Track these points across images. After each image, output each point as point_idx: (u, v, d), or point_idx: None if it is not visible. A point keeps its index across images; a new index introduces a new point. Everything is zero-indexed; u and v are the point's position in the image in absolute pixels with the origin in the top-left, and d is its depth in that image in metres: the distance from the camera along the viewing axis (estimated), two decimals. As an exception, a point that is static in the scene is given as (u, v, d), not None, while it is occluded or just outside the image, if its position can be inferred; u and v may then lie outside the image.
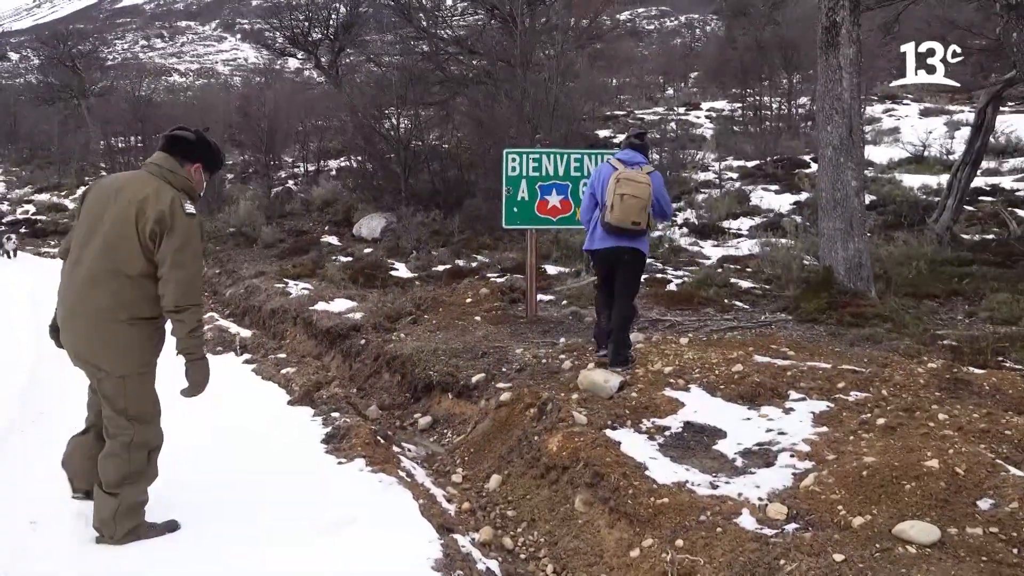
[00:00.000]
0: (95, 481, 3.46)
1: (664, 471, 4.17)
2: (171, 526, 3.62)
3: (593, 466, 4.19)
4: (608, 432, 4.67)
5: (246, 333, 9.16)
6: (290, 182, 23.34)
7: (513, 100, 16.14)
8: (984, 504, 3.48)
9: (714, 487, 4.02)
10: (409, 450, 5.46)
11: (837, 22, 8.03)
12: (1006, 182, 16.09)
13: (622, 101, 33.32)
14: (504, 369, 6.35)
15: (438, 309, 9.03)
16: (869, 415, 4.65)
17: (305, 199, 19.96)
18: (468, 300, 9.24)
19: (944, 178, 15.48)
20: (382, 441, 5.03)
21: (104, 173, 24.12)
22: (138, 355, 3.43)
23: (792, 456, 4.26)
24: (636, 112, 29.29)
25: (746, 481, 4.06)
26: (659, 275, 11.46)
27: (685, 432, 4.72)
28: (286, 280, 12.44)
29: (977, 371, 5.30)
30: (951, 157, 17.72)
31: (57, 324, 3.52)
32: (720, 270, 11.80)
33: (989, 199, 14.88)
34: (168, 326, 3.48)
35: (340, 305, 10.03)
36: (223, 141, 25.93)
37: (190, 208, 3.38)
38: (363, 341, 8.17)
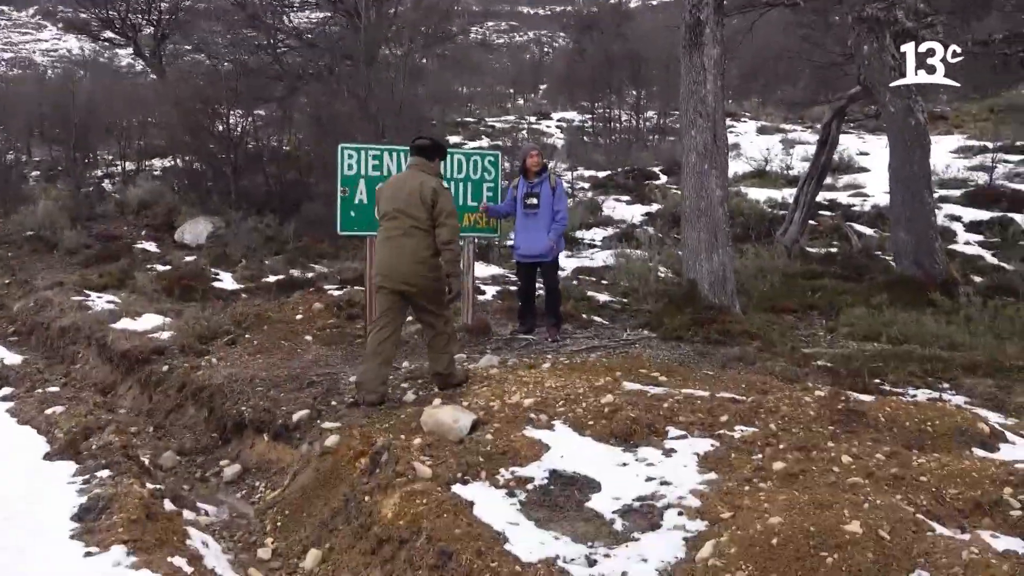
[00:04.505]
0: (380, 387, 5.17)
1: (529, 542, 3.29)
2: (466, 375, 5.53)
3: (438, 541, 3.24)
4: (457, 488, 3.74)
5: (14, 359, 7.50)
6: (105, 181, 20.82)
7: (357, 97, 14.96)
8: (919, 579, 2.84)
9: (591, 563, 3.18)
10: (206, 513, 4.30)
11: (701, 20, 7.53)
12: (842, 197, 16.65)
13: (472, 108, 32.64)
14: (334, 403, 5.30)
15: (262, 327, 7.79)
16: (762, 456, 3.99)
17: (120, 200, 17.73)
18: (299, 316, 8.07)
19: (786, 192, 15.81)
20: (165, 509, 3.83)
21: None
22: (436, 273, 5.25)
23: (681, 514, 3.50)
24: (487, 119, 28.68)
25: (630, 552, 3.25)
26: (513, 287, 10.67)
27: (552, 484, 3.86)
28: (88, 292, 10.68)
29: (866, 399, 4.80)
30: (790, 172, 18.24)
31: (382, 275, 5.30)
32: (576, 282, 11.20)
33: (828, 213, 15.26)
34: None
35: (148, 322, 8.54)
36: (29, 136, 22.98)
37: (445, 185, 5.54)
38: (166, 367, 6.83)
